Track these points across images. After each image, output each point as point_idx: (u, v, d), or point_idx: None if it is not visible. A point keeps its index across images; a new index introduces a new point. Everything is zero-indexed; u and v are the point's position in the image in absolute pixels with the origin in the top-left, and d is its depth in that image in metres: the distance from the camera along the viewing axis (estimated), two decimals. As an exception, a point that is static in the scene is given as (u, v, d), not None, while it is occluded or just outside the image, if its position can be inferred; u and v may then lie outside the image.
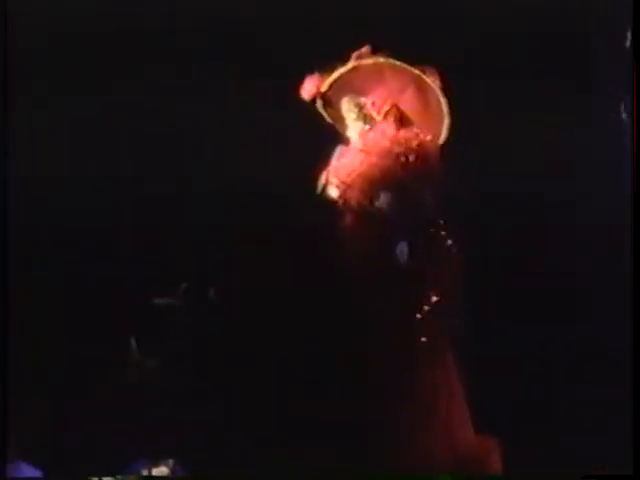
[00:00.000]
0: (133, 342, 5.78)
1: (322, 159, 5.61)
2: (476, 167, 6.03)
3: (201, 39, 6.34)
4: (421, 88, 5.55)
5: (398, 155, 5.41)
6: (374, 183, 5.40)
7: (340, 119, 5.67)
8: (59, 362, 5.88)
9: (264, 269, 6.15)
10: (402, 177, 5.39)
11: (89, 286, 6.13)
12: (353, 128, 5.60)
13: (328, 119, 5.72)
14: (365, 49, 5.57)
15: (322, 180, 5.50)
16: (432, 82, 5.51)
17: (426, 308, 5.32)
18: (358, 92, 5.62)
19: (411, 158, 5.40)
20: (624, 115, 6.21)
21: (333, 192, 5.48)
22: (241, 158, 6.20)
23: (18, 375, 5.50)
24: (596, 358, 6.31)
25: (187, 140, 6.36)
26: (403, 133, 5.48)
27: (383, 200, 5.41)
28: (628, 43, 6.00)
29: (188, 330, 5.78)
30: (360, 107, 5.60)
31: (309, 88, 5.59)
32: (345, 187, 5.42)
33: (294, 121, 5.90)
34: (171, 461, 5.28)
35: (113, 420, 5.58)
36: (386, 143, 5.45)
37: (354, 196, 5.41)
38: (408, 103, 5.60)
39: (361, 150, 5.49)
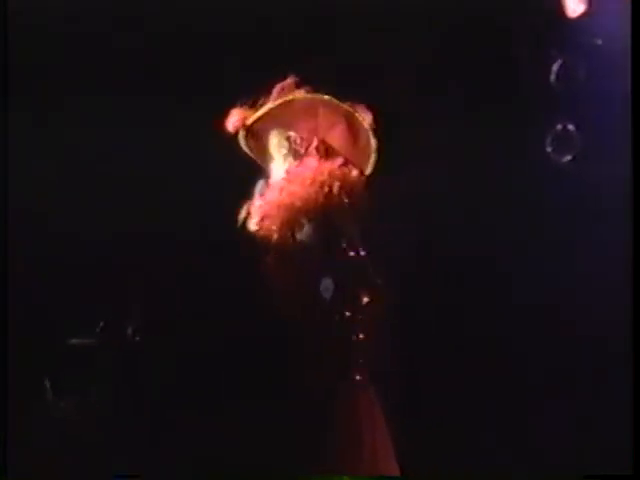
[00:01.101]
0: (47, 383, 5.78)
1: (242, 193, 5.44)
2: (401, 196, 6.01)
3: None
4: (352, 125, 5.42)
5: (321, 184, 5.24)
6: (295, 213, 5.23)
7: (264, 152, 5.50)
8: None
9: (184, 306, 6.16)
10: (325, 207, 5.21)
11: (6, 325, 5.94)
12: (280, 162, 5.45)
13: (249, 152, 5.55)
14: (289, 81, 5.40)
15: (242, 214, 5.34)
16: (362, 120, 5.39)
17: (352, 342, 5.20)
18: (286, 126, 5.46)
19: (335, 188, 5.23)
20: (548, 148, 6.24)
21: (253, 225, 5.32)
22: (160, 195, 6.22)
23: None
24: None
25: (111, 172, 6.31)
26: (327, 164, 5.33)
27: (305, 232, 5.25)
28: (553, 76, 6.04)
29: (105, 369, 5.81)
30: (290, 142, 5.45)
31: (234, 121, 5.42)
32: (265, 218, 5.26)
33: (213, 155, 5.86)
34: None
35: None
36: (309, 173, 5.29)
37: (275, 227, 5.25)
38: (336, 139, 5.46)
39: (284, 180, 5.35)
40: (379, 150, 5.43)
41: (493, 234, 6.37)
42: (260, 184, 5.41)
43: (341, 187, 5.24)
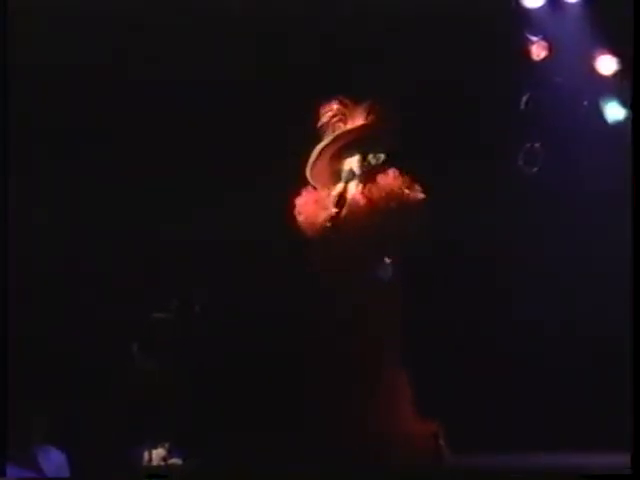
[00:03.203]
0: (135, 347, 6.18)
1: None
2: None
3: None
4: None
5: (392, 194, 5.57)
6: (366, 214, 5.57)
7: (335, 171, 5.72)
8: (68, 362, 6.16)
9: (248, 282, 6.49)
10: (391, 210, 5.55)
11: (101, 301, 6.46)
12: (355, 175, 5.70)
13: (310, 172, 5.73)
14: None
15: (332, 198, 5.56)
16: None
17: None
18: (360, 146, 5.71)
19: (399, 196, 5.56)
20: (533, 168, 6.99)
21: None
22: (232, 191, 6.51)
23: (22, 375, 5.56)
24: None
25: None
26: (393, 176, 5.62)
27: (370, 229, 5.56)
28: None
29: (180, 338, 6.26)
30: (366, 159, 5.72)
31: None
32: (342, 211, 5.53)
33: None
34: (167, 444, 5.95)
35: (118, 412, 6.00)
36: (384, 184, 5.60)
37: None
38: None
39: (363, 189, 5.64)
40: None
41: (494, 237, 6.60)
42: (347, 172, 5.63)
43: (402, 195, 5.56)
